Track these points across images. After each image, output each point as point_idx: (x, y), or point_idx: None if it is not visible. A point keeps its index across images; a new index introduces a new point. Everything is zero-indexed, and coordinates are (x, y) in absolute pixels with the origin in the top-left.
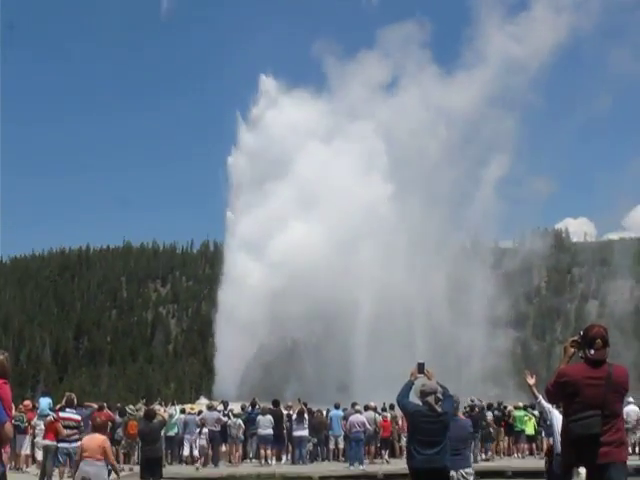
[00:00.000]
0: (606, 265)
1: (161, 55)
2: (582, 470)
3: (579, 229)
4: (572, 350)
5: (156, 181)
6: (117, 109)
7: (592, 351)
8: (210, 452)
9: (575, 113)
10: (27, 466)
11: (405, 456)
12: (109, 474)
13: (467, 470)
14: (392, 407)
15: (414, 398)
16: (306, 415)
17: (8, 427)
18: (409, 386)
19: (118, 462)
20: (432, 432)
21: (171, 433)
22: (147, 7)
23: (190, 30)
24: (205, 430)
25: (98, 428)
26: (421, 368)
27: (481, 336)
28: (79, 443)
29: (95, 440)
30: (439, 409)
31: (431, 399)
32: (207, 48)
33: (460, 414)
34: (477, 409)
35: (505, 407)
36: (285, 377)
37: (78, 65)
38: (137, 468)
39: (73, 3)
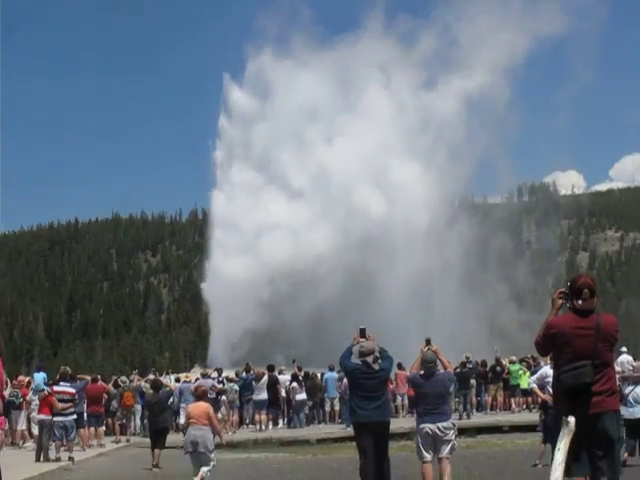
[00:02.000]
0: (594, 216)
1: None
2: (571, 419)
3: (567, 182)
4: (560, 302)
5: (142, 150)
6: (105, 72)
7: (580, 301)
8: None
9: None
10: (24, 442)
11: (401, 415)
12: (214, 437)
13: (444, 424)
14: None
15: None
16: (301, 378)
17: None
18: (350, 349)
19: (114, 433)
20: (371, 388)
21: None
22: None
23: None
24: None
25: (201, 396)
26: (362, 333)
27: (468, 293)
28: (74, 416)
29: (200, 407)
30: (376, 366)
31: (370, 359)
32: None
33: (441, 369)
34: (468, 366)
35: (500, 362)
36: (278, 342)
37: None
38: (134, 439)
39: None
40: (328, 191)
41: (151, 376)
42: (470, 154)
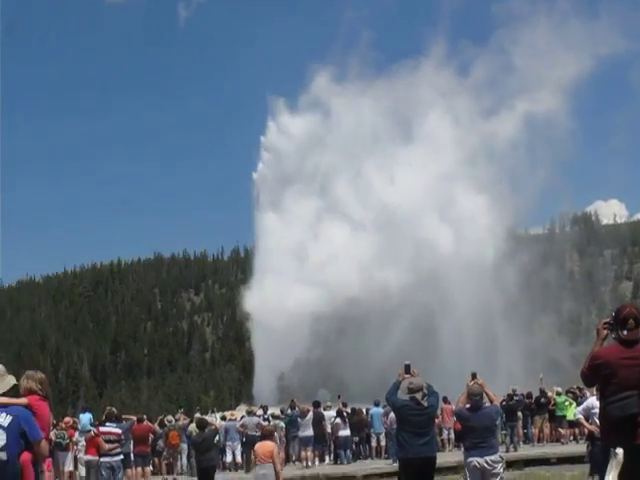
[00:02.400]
0: (637, 245)
1: (180, 58)
2: (619, 450)
3: (609, 211)
4: (605, 332)
5: (183, 188)
6: (145, 108)
7: (625, 332)
8: (252, 457)
9: None
10: None
11: (447, 449)
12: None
13: (492, 458)
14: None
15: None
16: (345, 414)
17: (44, 445)
18: (396, 385)
19: (161, 473)
20: (419, 424)
21: None
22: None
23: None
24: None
25: (266, 436)
26: (407, 369)
27: (517, 326)
28: (121, 457)
29: (265, 446)
30: (425, 403)
31: (418, 395)
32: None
33: (487, 402)
34: (515, 399)
35: (546, 393)
36: (323, 379)
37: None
38: (181, 478)
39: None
40: (393, 223)
41: (197, 415)
42: (532, 183)
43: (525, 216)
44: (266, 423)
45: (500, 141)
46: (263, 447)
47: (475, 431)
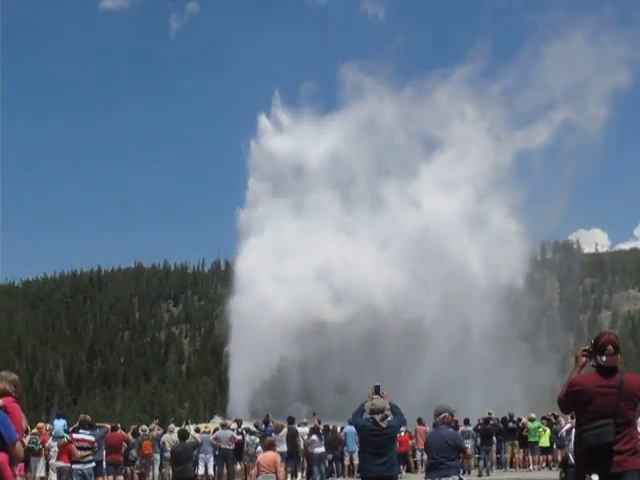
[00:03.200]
0: (618, 275)
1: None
2: (594, 477)
3: (591, 240)
4: (583, 359)
5: (166, 200)
6: (131, 120)
7: (604, 357)
8: (225, 470)
9: None
10: None
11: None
12: None
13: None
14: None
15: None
16: (321, 431)
17: (19, 446)
18: (362, 406)
19: None
20: (378, 444)
21: None
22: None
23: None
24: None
25: (268, 447)
26: (377, 390)
27: (492, 350)
28: (93, 464)
29: (268, 457)
30: (383, 424)
31: (378, 417)
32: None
33: (446, 425)
34: (490, 423)
35: (519, 419)
36: (298, 395)
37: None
38: None
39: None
40: (425, 246)
41: (171, 426)
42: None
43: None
44: (239, 437)
45: (525, 156)
46: (266, 457)
47: (430, 451)
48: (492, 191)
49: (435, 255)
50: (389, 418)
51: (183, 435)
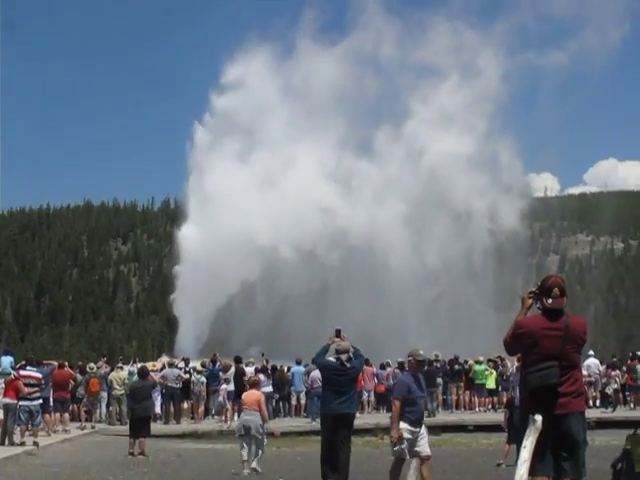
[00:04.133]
0: (567, 220)
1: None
2: (538, 417)
3: (541, 184)
4: (530, 301)
5: (116, 136)
6: (83, 57)
7: (550, 300)
8: (172, 409)
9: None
10: None
11: (366, 411)
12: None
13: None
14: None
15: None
16: (269, 371)
17: None
18: (326, 348)
19: (79, 420)
20: (342, 383)
21: None
22: None
23: None
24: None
25: (253, 385)
26: (338, 333)
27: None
28: (40, 401)
29: (253, 395)
30: (347, 364)
31: (343, 357)
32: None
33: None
34: (435, 365)
35: (466, 361)
36: (247, 334)
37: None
38: (99, 426)
39: None
40: None
41: (119, 364)
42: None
43: None
44: (187, 376)
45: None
46: (251, 396)
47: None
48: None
49: None
50: (352, 359)
51: (143, 372)
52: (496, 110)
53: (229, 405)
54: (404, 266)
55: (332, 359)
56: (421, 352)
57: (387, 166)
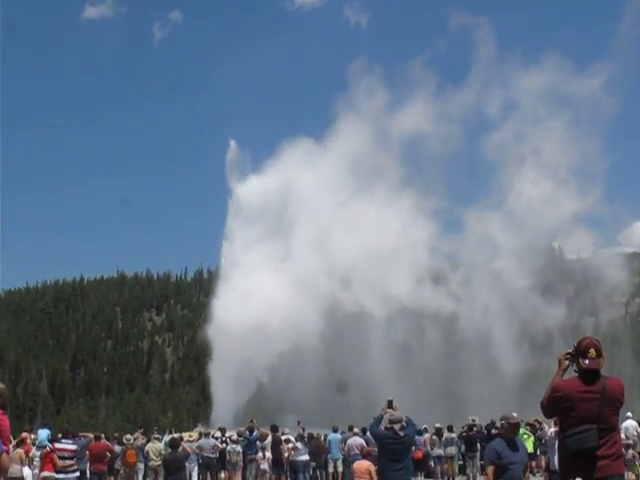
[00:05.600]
0: (601, 281)
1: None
2: None
3: (573, 245)
4: (566, 363)
5: (149, 208)
6: (117, 125)
7: (586, 361)
8: (209, 479)
9: None
10: None
11: None
12: None
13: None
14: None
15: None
16: (305, 439)
17: (5, 458)
18: (379, 418)
19: None
20: (397, 451)
21: None
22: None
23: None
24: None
25: (365, 456)
26: (390, 404)
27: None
28: (77, 474)
29: (363, 464)
30: (401, 433)
31: (397, 426)
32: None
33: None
34: (475, 429)
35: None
36: (283, 404)
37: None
38: None
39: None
40: None
41: (154, 434)
42: None
43: None
44: (223, 445)
45: None
46: (361, 465)
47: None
48: None
49: None
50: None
51: (174, 444)
52: None
53: (269, 472)
54: None
55: (387, 427)
56: (514, 415)
57: None
